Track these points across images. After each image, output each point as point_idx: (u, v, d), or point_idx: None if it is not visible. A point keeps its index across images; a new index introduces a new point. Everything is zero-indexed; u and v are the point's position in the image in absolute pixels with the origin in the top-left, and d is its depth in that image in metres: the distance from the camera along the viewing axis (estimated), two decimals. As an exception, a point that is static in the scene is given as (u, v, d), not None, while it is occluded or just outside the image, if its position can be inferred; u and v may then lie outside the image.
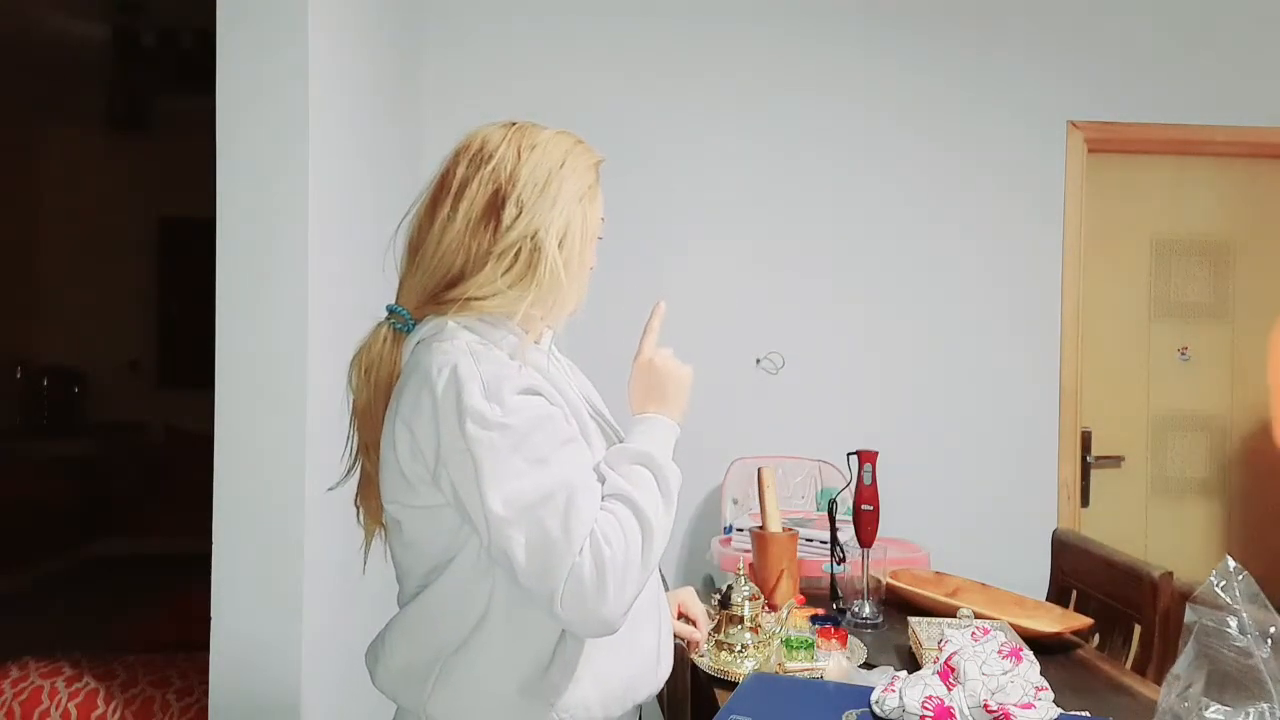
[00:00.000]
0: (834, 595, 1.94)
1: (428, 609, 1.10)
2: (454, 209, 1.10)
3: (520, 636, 1.06)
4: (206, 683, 1.77)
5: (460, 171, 1.12)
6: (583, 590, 0.98)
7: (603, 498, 1.04)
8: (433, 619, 1.10)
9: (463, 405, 1.00)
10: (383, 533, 1.20)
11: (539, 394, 1.06)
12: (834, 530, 1.97)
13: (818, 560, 2.16)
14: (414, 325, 1.12)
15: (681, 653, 1.41)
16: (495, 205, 1.09)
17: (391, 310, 1.14)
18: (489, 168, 1.10)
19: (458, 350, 1.04)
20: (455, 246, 1.09)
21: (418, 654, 1.10)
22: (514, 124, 1.16)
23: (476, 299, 1.08)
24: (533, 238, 1.08)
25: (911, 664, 1.57)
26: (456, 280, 1.09)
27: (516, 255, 1.08)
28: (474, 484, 1.00)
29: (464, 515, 1.04)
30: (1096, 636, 1.89)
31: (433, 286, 1.11)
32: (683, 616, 1.50)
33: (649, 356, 1.20)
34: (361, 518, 1.23)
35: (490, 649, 1.07)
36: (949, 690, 1.19)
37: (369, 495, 1.20)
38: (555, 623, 1.02)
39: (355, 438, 1.19)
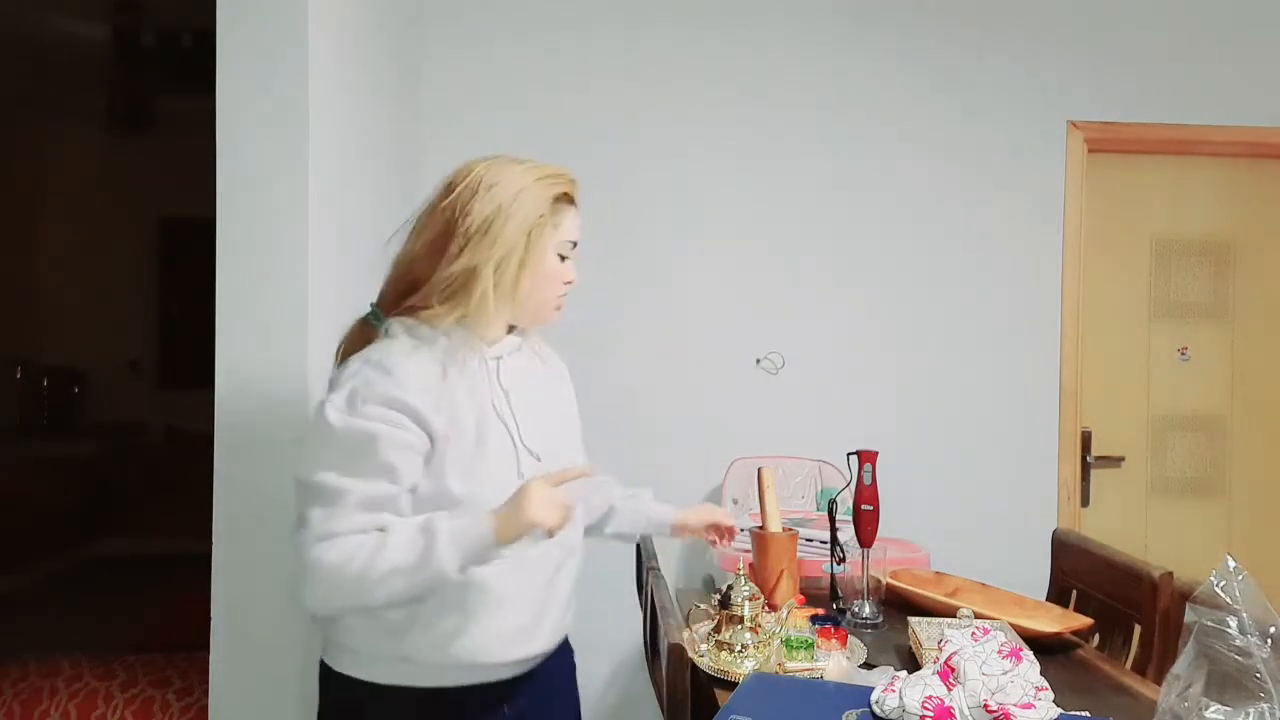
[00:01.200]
0: (834, 595, 1.94)
1: None
2: (419, 233, 1.32)
3: None
4: (206, 683, 1.77)
5: (434, 198, 1.33)
6: (301, 569, 1.23)
7: (382, 528, 1.22)
8: None
9: (328, 394, 1.26)
10: None
11: (400, 411, 1.23)
12: (834, 530, 1.97)
13: (818, 560, 2.16)
14: (384, 321, 1.33)
15: (681, 652, 1.41)
16: (446, 237, 1.29)
17: (371, 306, 1.37)
18: (447, 200, 1.30)
19: (369, 358, 1.27)
20: (412, 265, 1.31)
21: None
22: (492, 159, 1.34)
23: (420, 309, 1.30)
24: (470, 269, 1.27)
25: (911, 664, 1.57)
26: (408, 293, 1.32)
27: (453, 282, 1.27)
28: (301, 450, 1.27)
29: None
30: (1096, 636, 1.89)
31: (394, 294, 1.34)
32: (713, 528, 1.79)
33: (540, 480, 1.25)
34: None
35: None
36: (949, 690, 1.19)
37: None
38: None
39: None
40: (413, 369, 1.25)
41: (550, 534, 1.24)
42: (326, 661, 1.38)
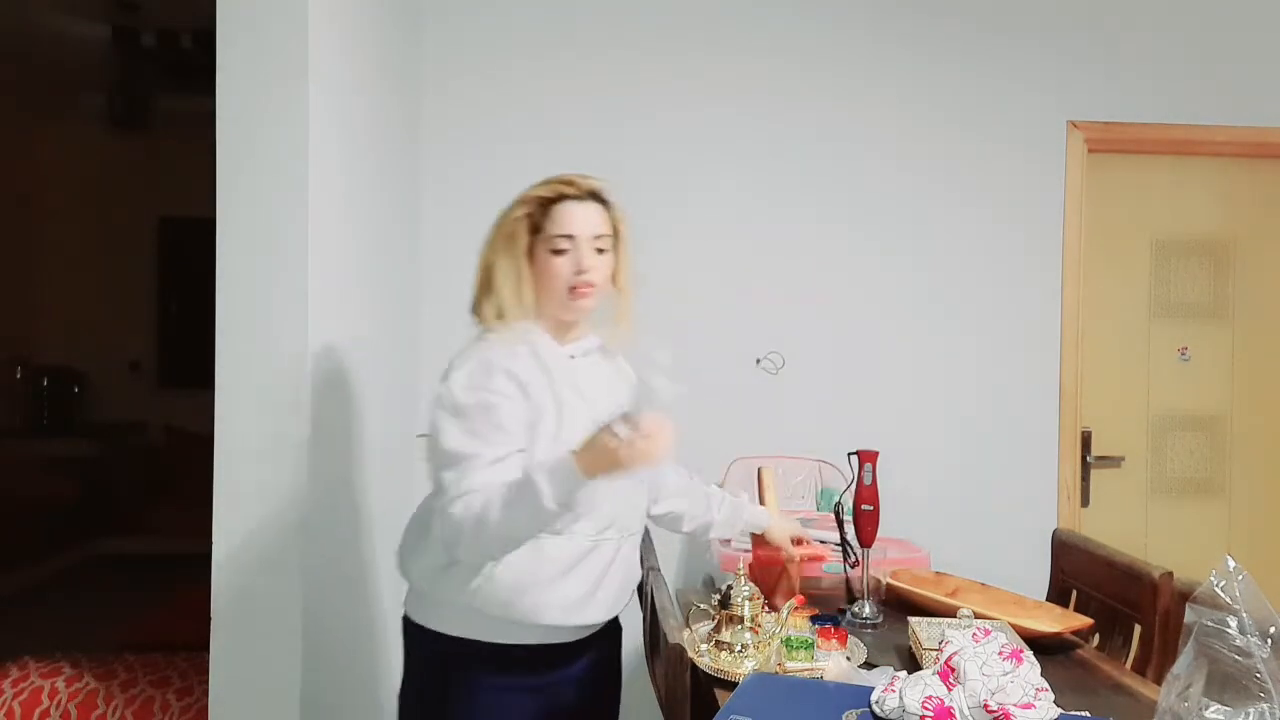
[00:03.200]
0: (850, 598, 1.94)
1: None
2: None
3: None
4: (206, 683, 1.77)
5: None
6: (448, 529, 1.40)
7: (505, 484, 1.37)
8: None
9: (446, 377, 1.48)
10: None
11: (514, 380, 1.45)
12: (843, 532, 1.97)
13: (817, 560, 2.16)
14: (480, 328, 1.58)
15: (681, 653, 1.41)
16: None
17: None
18: None
19: (472, 346, 1.51)
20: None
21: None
22: None
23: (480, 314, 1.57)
24: (485, 279, 1.55)
25: (911, 664, 1.57)
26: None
27: (480, 289, 1.56)
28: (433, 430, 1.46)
29: None
30: (1096, 636, 1.89)
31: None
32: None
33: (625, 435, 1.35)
34: None
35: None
36: (949, 690, 1.19)
37: None
38: None
39: None
40: (508, 349, 1.49)
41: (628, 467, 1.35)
42: (412, 618, 1.54)
